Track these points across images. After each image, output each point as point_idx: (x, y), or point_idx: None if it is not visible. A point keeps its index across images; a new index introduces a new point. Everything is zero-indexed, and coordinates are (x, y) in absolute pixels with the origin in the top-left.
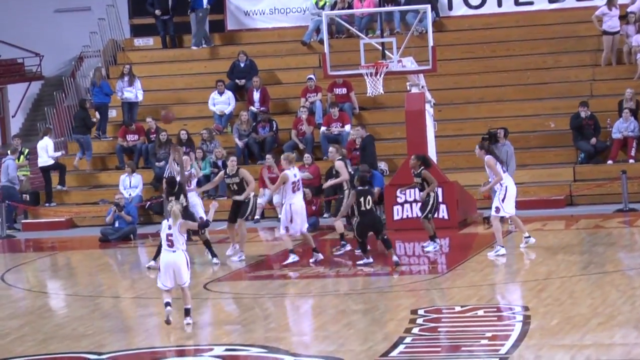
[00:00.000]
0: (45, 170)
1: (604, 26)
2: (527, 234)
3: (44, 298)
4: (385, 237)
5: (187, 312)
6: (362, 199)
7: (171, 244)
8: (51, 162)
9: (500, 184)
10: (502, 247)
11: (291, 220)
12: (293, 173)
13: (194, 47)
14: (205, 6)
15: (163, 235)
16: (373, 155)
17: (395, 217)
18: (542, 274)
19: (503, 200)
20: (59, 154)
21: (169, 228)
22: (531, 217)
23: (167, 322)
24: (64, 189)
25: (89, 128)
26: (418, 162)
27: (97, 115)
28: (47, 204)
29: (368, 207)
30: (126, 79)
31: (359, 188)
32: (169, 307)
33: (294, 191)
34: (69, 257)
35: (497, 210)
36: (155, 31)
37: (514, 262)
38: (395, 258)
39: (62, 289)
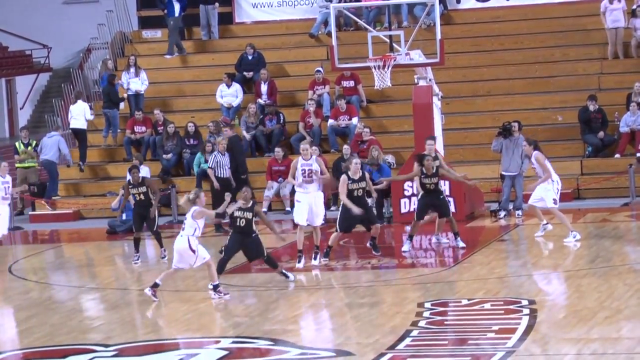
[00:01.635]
0: (77, 132)
1: (607, 20)
2: (545, 221)
3: (52, 290)
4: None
5: (214, 288)
6: None
7: (183, 229)
8: (85, 126)
9: (552, 180)
10: (575, 232)
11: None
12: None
13: (167, 56)
14: (177, 15)
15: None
16: (240, 155)
17: (403, 210)
18: (549, 267)
19: (557, 193)
20: (93, 117)
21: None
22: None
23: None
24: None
25: (116, 103)
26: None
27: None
28: (81, 163)
29: None
30: (132, 70)
31: None
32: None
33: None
34: (77, 249)
35: (555, 202)
36: (163, 23)
37: (521, 255)
38: None
39: (70, 281)
